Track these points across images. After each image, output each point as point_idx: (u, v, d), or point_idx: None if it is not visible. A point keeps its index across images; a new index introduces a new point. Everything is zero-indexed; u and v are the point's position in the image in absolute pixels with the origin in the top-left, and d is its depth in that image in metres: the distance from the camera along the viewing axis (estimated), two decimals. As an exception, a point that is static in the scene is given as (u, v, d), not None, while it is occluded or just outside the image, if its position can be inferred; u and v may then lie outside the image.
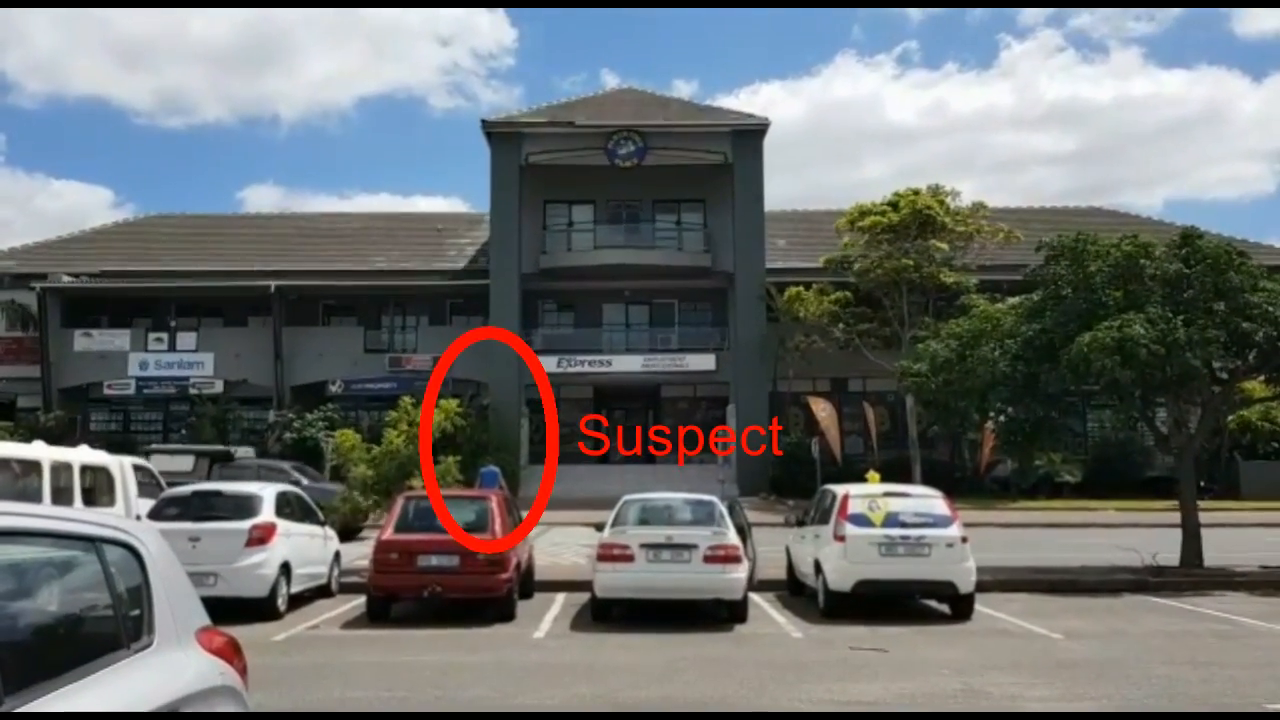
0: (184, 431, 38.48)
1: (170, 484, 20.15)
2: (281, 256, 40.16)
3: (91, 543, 3.18)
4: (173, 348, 39.36)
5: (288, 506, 14.11)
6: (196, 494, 14.19)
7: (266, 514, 13.26)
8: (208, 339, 39.61)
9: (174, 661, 3.37)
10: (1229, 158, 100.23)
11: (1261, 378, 18.80)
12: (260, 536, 12.95)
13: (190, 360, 39.00)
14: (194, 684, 3.40)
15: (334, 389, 37.88)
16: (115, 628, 3.20)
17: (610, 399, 40.25)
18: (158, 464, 24.50)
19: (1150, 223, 38.98)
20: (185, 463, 24.92)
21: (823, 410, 34.80)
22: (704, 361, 37.81)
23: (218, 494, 14.07)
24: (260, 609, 12.77)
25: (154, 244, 42.13)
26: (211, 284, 39.21)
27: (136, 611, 3.34)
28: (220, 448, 28.17)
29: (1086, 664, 10.19)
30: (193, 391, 38.70)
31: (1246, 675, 9.57)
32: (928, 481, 30.27)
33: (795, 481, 32.36)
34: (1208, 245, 17.47)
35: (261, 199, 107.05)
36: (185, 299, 40.09)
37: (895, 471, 31.16)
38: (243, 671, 3.91)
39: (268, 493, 13.82)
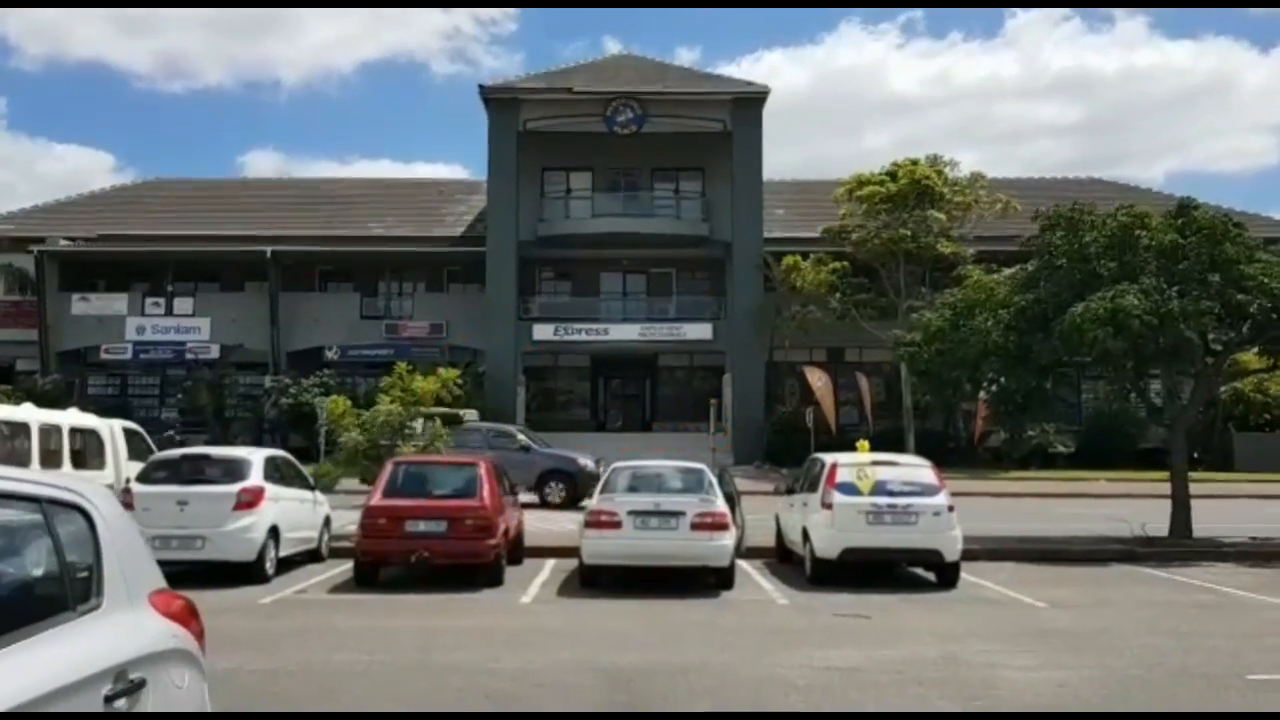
0: (180, 396, 38.54)
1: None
2: (279, 222, 40.00)
3: (37, 503, 3.15)
4: (169, 312, 39.34)
5: (277, 471, 14.12)
6: (185, 457, 14.23)
7: (255, 478, 13.27)
8: (204, 304, 39.58)
9: (123, 624, 3.35)
10: (1234, 130, 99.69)
11: (1255, 349, 18.77)
12: (249, 500, 12.96)
13: (187, 325, 38.99)
14: (144, 647, 3.38)
15: (330, 355, 37.85)
16: (60, 589, 3.18)
17: (607, 368, 40.30)
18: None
19: (1150, 194, 38.77)
20: (415, 424, 24.51)
21: (818, 380, 34.81)
22: (701, 331, 37.77)
23: (206, 457, 14.11)
24: (248, 572, 12.81)
25: (152, 208, 41.96)
26: (208, 249, 39.10)
27: (85, 573, 3.32)
28: (450, 410, 26.40)
29: (1069, 633, 10.22)
30: (189, 356, 38.69)
31: (1229, 645, 9.60)
32: (921, 451, 30.26)
33: (790, 450, 32.32)
34: (1204, 216, 17.40)
35: (262, 164, 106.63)
36: (182, 264, 40.01)
37: (889, 441, 31.17)
38: (199, 635, 3.90)
39: (257, 457, 13.84)
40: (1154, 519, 17.59)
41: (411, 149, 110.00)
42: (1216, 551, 16.29)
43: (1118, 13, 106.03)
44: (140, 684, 3.27)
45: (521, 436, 25.03)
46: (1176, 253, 17.02)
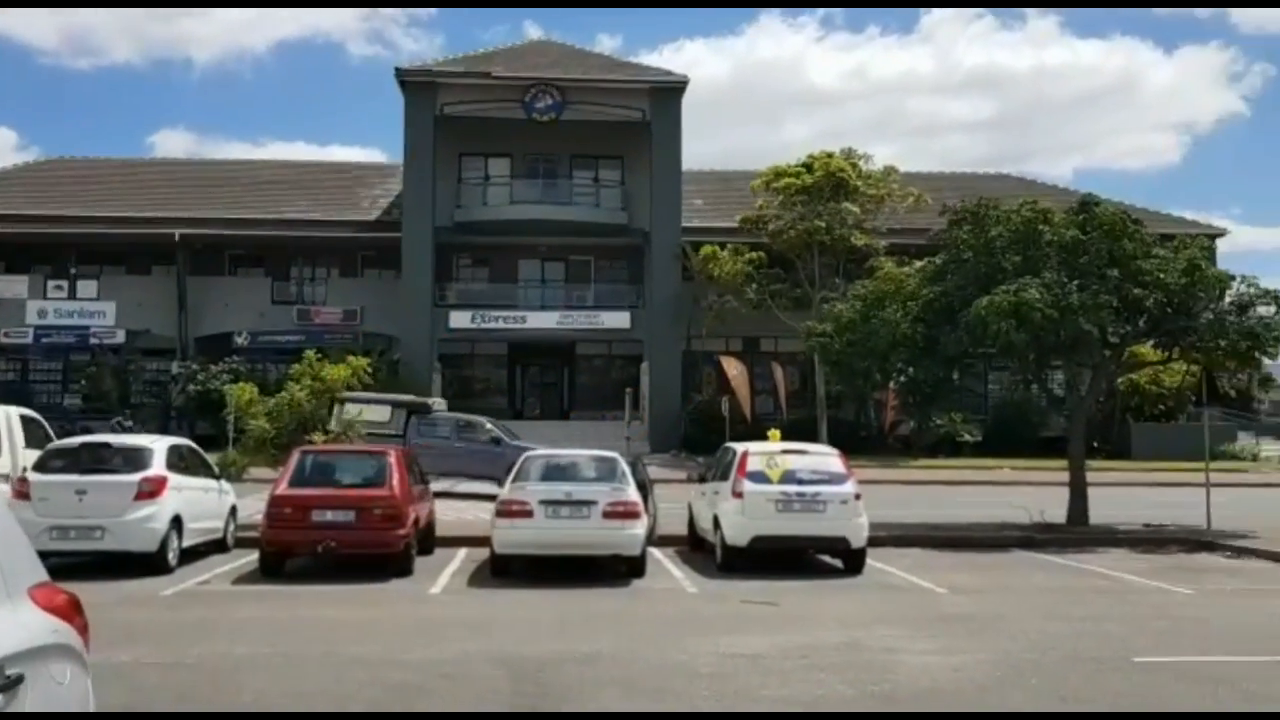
0: (84, 382, 37.44)
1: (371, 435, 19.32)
2: (188, 204, 38.98)
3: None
4: (73, 296, 38.18)
5: (181, 460, 13.82)
6: (85, 446, 13.82)
7: (157, 467, 12.97)
8: (110, 287, 38.48)
9: (0, 618, 3.27)
10: (1138, 128, 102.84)
11: (1151, 342, 19.41)
12: (150, 490, 12.66)
13: (91, 309, 37.86)
14: (23, 642, 3.30)
15: (240, 341, 37.10)
16: (-69, 583, 3.09)
17: (525, 356, 40.12)
18: (350, 413, 23.49)
19: (1056, 190, 39.79)
20: (381, 413, 22.95)
21: (734, 369, 35.11)
22: (619, 319, 37.80)
23: (107, 446, 13.71)
24: (150, 563, 12.54)
25: (55, 188, 40.53)
26: (114, 231, 37.89)
27: (-42, 567, 3.23)
28: (418, 398, 25.98)
29: (968, 618, 10.50)
30: (93, 341, 37.60)
31: (1118, 630, 9.95)
32: (834, 440, 30.77)
33: (707, 439, 32.51)
34: (1104, 213, 17.93)
35: (172, 144, 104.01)
36: (87, 246, 38.79)
37: (803, 430, 31.58)
38: (83, 630, 3.82)
39: (159, 445, 13.53)
40: (1053, 506, 18.13)
41: (327, 132, 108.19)
42: (1111, 538, 16.85)
43: (1029, 11, 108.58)
44: (18, 680, 3.19)
45: (491, 428, 24.62)
46: (1077, 248, 17.52)
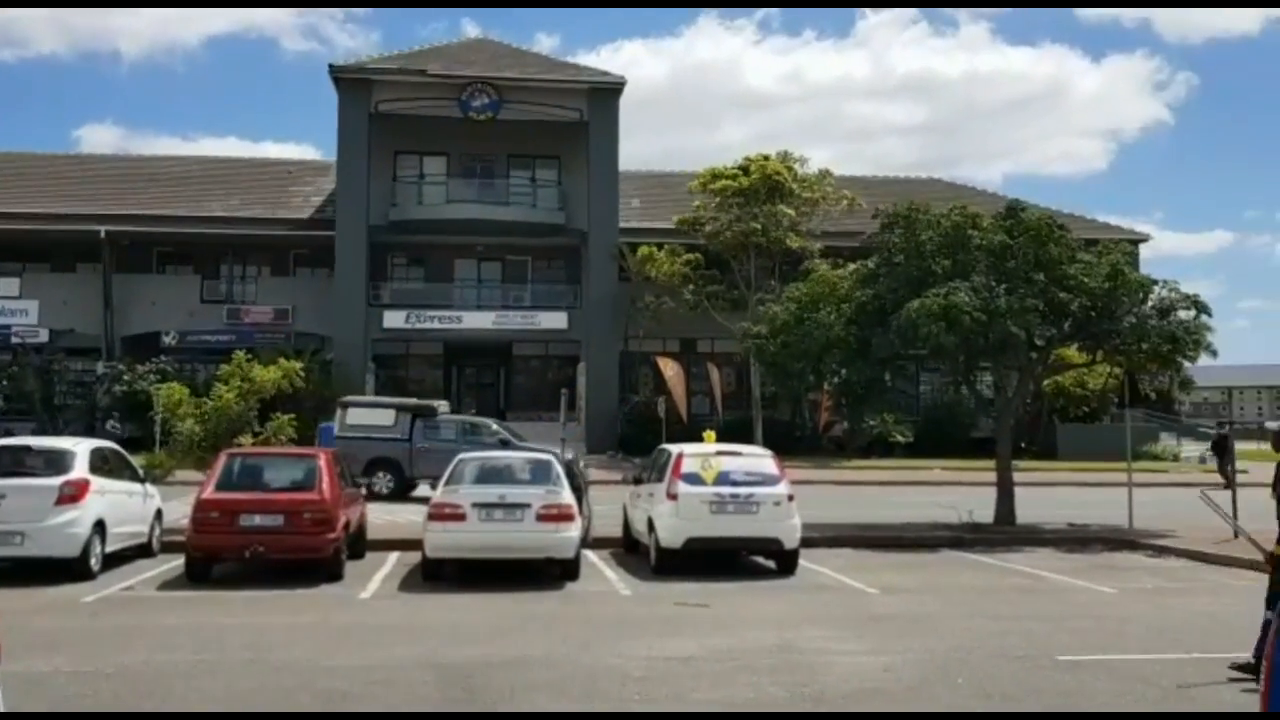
0: (5, 383, 36.44)
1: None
2: (115, 200, 38.18)
3: None
4: (-7, 293, 37.14)
5: (104, 462, 13.50)
6: (4, 449, 13.45)
7: (79, 470, 12.63)
8: (32, 285, 37.57)
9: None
10: (1066, 134, 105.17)
11: (1076, 345, 19.84)
12: (72, 494, 12.34)
13: (13, 308, 36.94)
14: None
15: (168, 340, 36.41)
16: None
17: (461, 356, 39.89)
18: (352, 417, 22.71)
19: (986, 195, 40.50)
20: (385, 416, 22.87)
21: (671, 370, 35.25)
22: (556, 320, 37.76)
23: (27, 449, 13.35)
24: (71, 569, 12.22)
25: (-26, 183, 39.47)
26: (37, 227, 36.97)
27: None
28: (422, 401, 25.52)
29: (897, 618, 10.63)
30: (15, 340, 36.65)
31: (1042, 628, 10.15)
32: (769, 440, 31.04)
33: (643, 440, 32.60)
34: (1030, 218, 18.30)
35: (100, 139, 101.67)
36: (8, 242, 37.76)
37: (739, 431, 31.81)
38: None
39: (81, 448, 13.18)
40: (982, 506, 18.45)
41: (261, 128, 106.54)
42: (1037, 537, 17.19)
43: (962, 15, 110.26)
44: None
45: (497, 429, 24.31)
46: (1005, 252, 17.86)
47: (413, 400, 25.64)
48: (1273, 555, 7.96)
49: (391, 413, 23.32)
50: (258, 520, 12.28)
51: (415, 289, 39.12)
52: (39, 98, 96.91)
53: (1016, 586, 12.88)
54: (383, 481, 22.88)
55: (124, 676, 7.78)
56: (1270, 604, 7.59)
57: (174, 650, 8.71)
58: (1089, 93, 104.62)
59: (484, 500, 12.43)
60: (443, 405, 25.83)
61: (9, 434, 24.98)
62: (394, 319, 36.73)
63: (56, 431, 30.74)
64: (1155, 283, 18.30)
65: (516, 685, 7.58)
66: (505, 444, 23.14)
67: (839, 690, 7.55)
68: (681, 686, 7.59)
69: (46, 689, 7.27)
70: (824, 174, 36.22)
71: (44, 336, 36.67)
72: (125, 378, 33.56)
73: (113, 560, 13.21)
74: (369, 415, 23.27)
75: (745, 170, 34.62)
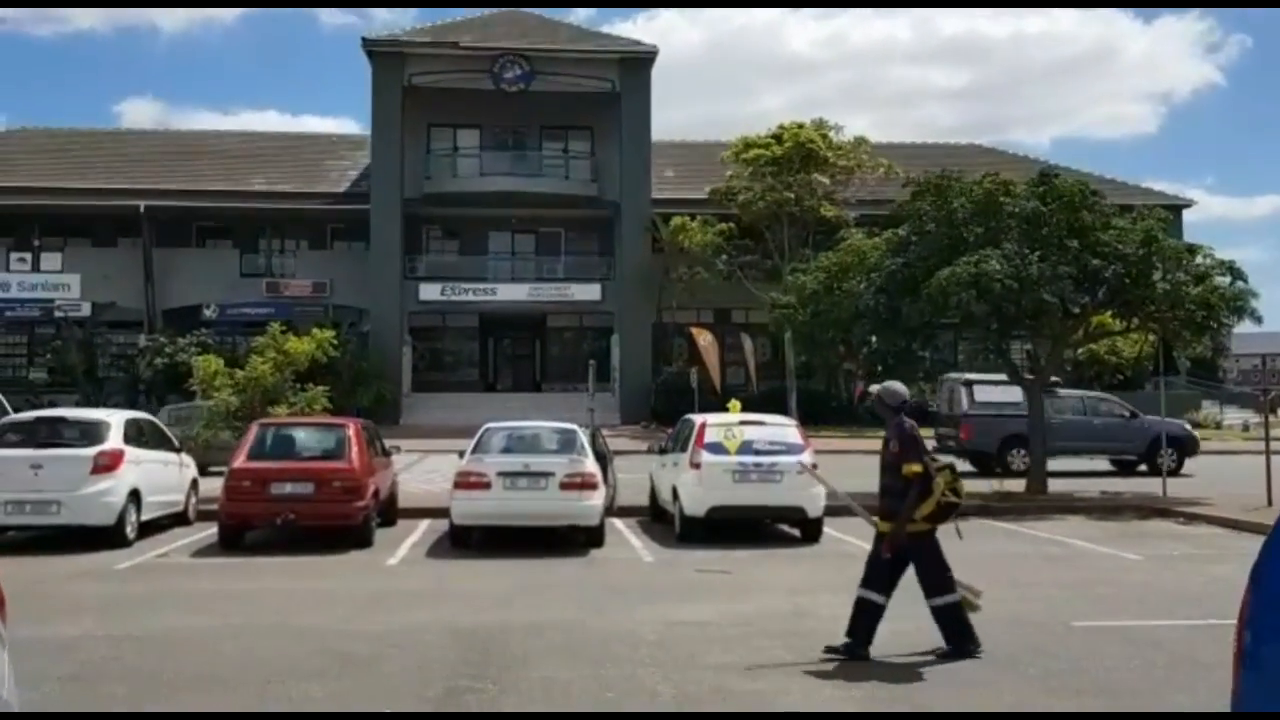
0: (49, 356, 37.18)
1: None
2: (155, 175, 38.62)
3: None
4: (36, 268, 37.89)
5: (139, 433, 13.80)
6: (41, 420, 13.80)
7: (114, 440, 12.94)
8: (74, 259, 38.17)
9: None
10: (1115, 98, 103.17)
11: (1110, 313, 19.59)
12: (107, 463, 12.65)
13: (55, 281, 37.57)
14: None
15: (208, 313, 36.90)
16: None
17: (495, 328, 40.11)
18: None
19: (1026, 160, 39.93)
20: (1014, 393, 20.77)
21: (705, 341, 35.18)
22: (589, 291, 37.82)
23: (63, 420, 13.69)
24: (107, 537, 12.54)
25: (18, 159, 40.05)
26: (79, 203, 37.51)
27: None
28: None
29: (915, 585, 10.60)
30: (58, 314, 37.33)
31: (1062, 595, 10.13)
32: (804, 410, 31.04)
33: (676, 411, 32.41)
34: (1063, 184, 18.03)
35: (139, 114, 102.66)
36: (51, 217, 38.39)
37: (773, 401, 31.82)
38: (0, 605, 3.84)
39: (116, 418, 13.49)
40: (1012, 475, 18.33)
41: (300, 102, 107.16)
42: (1068, 506, 17.07)
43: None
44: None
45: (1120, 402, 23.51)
46: (1038, 219, 17.62)
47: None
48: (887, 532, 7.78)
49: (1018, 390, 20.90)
50: (289, 489, 12.52)
51: (450, 261, 39.33)
52: (80, 74, 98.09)
53: (1042, 554, 12.83)
54: (1019, 459, 21.58)
55: (150, 640, 8.01)
56: None
57: (201, 614, 8.94)
58: (1139, 55, 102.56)
59: (508, 469, 12.59)
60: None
61: (53, 406, 25.54)
62: (429, 291, 36.99)
63: (100, 403, 31.34)
64: (1191, 249, 18.00)
65: (531, 650, 7.70)
66: (1133, 415, 22.75)
67: (849, 655, 7.59)
68: (692, 650, 7.68)
69: (75, 652, 7.49)
70: (860, 141, 35.85)
71: (86, 310, 37.29)
72: (166, 350, 34.09)
73: (149, 528, 13.54)
74: (991, 391, 22.54)
75: (778, 139, 34.36)
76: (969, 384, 23.20)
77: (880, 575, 7.79)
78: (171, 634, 8.22)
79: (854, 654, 7.47)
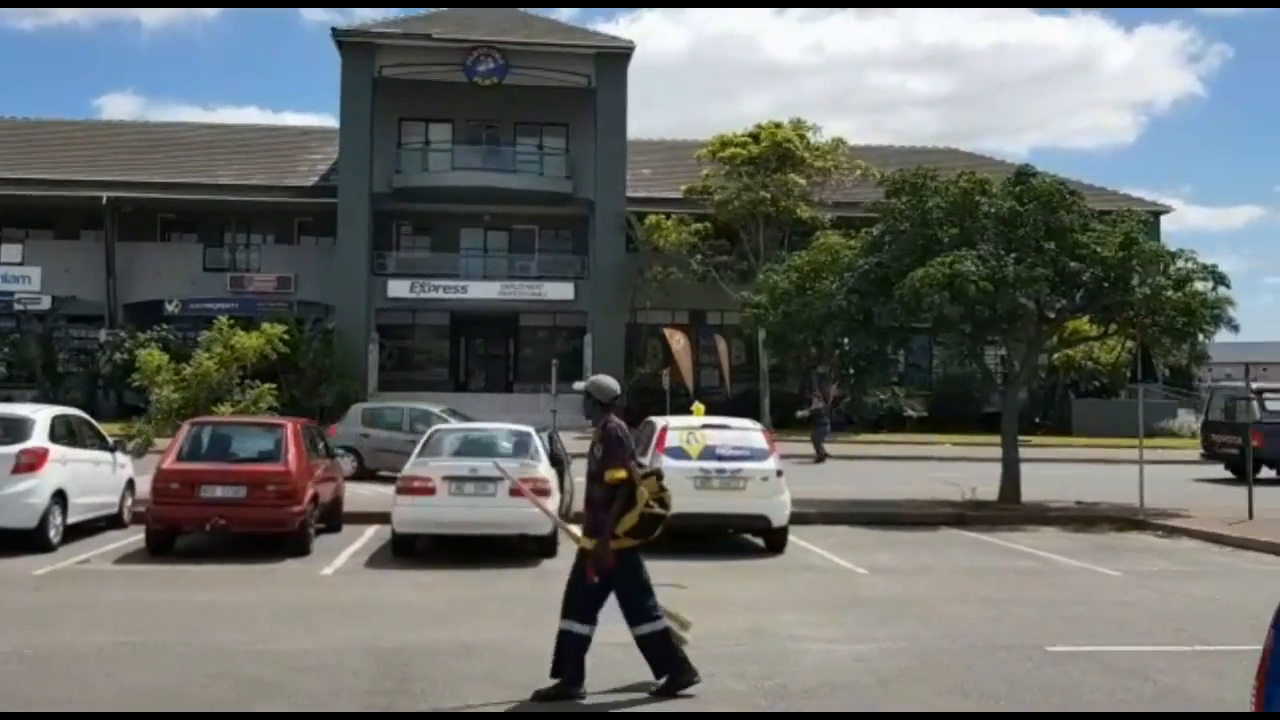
0: (7, 350, 36.16)
1: None
2: (119, 167, 37.68)
3: None
4: (-5, 260, 36.85)
5: (69, 430, 13.04)
6: (-38, 417, 12.97)
7: (38, 438, 12.16)
8: (35, 252, 37.21)
9: None
10: (1095, 107, 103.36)
11: (1087, 317, 19.08)
12: (29, 462, 11.87)
13: (15, 274, 36.57)
14: None
15: (171, 308, 35.96)
16: None
17: (467, 326, 39.32)
18: None
19: (1003, 166, 39.39)
20: None
21: (678, 342, 34.58)
22: (562, 290, 37.13)
23: (-15, 417, 12.87)
24: (30, 540, 11.77)
25: (-21, 149, 39.08)
26: (40, 193, 36.53)
27: None
28: None
29: (883, 602, 10.04)
30: (17, 307, 36.33)
31: (1036, 615, 9.54)
32: (776, 414, 30.43)
33: (648, 412, 31.67)
34: (1041, 184, 17.52)
35: (120, 108, 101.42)
36: (11, 208, 37.36)
37: (746, 404, 31.26)
38: None
39: (41, 415, 12.71)
40: (988, 483, 17.75)
41: (280, 98, 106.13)
42: (1043, 516, 16.50)
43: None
44: None
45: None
46: (1014, 220, 17.08)
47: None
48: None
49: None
50: (219, 492, 11.79)
51: (421, 258, 38.52)
52: (60, 66, 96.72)
53: (1015, 568, 12.25)
54: None
55: (38, 658, 7.29)
56: None
57: (106, 630, 8.22)
58: (1120, 65, 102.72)
59: (454, 473, 11.90)
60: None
61: (8, 401, 24.62)
62: (399, 288, 36.21)
63: (59, 399, 30.40)
64: (1172, 253, 17.48)
65: (455, 674, 7.04)
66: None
67: (801, 685, 6.95)
68: (629, 675, 7.01)
69: (-50, 672, 6.78)
70: (837, 142, 35.28)
71: (46, 304, 36.32)
72: (127, 345, 33.12)
73: (79, 531, 12.80)
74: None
75: (755, 138, 33.77)
76: (1260, 393, 23.90)
77: (583, 602, 6.73)
78: (65, 651, 7.50)
79: (567, 695, 6.53)
